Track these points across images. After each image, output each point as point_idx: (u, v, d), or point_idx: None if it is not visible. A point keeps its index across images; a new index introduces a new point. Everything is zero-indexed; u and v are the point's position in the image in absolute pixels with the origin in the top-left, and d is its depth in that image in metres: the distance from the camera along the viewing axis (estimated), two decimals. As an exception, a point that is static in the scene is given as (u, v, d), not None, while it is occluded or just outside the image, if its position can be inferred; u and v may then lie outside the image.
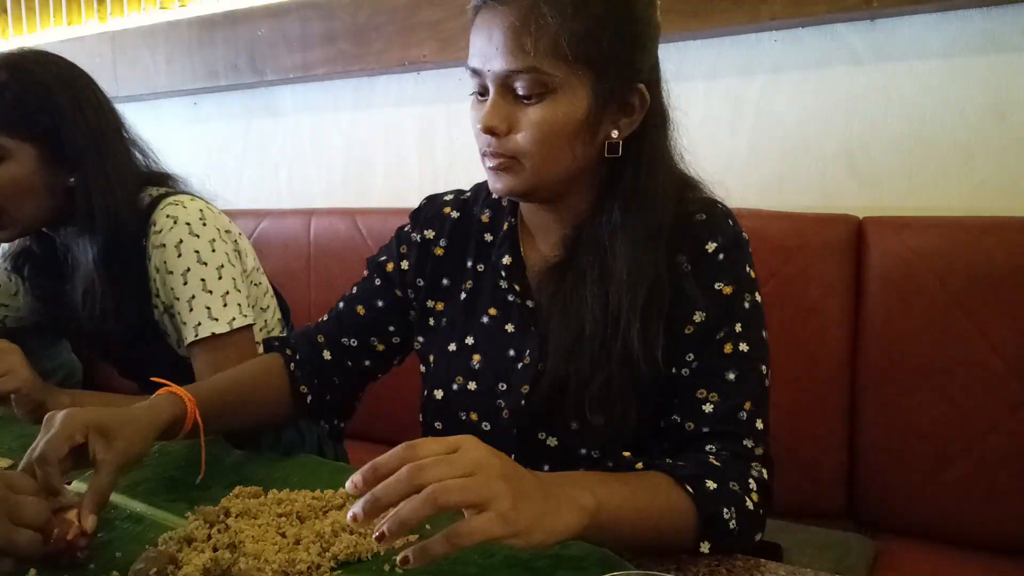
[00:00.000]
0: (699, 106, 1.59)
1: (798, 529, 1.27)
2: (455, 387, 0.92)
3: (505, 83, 0.78)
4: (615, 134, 0.81)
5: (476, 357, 0.92)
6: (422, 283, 0.98)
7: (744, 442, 0.80)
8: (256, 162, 2.28)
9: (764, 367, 0.83)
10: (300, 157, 2.20)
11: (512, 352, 0.90)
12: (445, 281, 0.97)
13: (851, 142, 1.47)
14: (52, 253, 1.30)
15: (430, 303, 0.97)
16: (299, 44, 2.02)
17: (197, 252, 1.17)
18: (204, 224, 1.19)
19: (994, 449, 1.20)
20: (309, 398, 1.00)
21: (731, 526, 0.73)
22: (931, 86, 1.40)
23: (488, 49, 0.77)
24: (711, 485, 0.73)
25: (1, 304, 1.41)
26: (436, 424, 0.94)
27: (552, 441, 0.88)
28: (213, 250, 1.19)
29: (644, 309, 0.80)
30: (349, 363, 1.01)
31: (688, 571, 0.70)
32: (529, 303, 0.90)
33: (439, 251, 0.97)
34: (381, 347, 1.01)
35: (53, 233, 1.27)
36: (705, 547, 0.72)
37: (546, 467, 0.89)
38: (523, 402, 0.87)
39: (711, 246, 0.83)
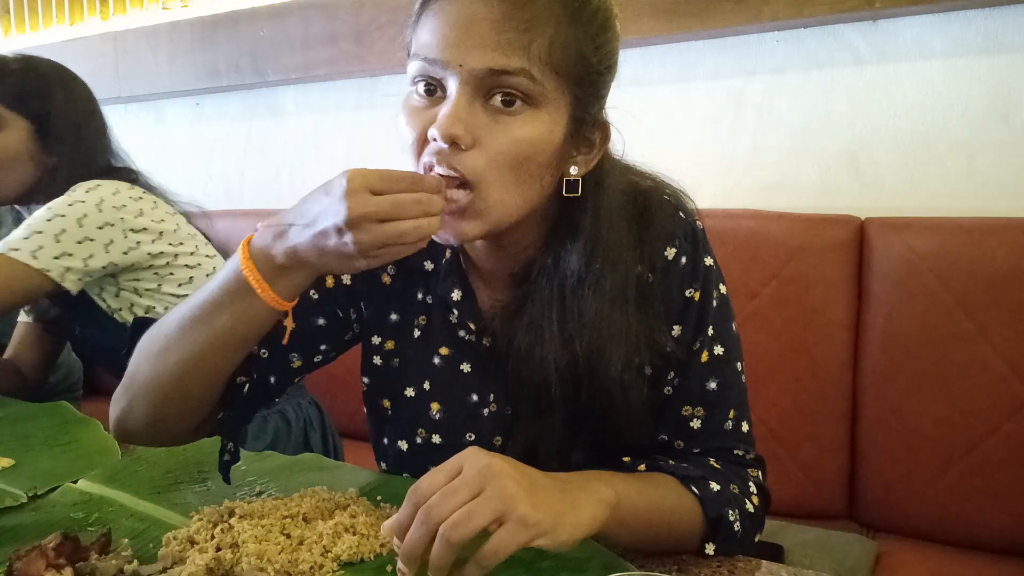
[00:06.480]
0: (701, 107, 1.58)
1: (799, 530, 1.27)
2: (419, 440, 0.82)
3: (479, 85, 0.64)
4: (573, 170, 0.71)
5: (435, 406, 0.81)
6: (365, 311, 0.84)
7: (735, 452, 0.80)
8: (258, 162, 2.28)
9: (739, 364, 0.80)
10: (302, 157, 2.20)
11: (475, 397, 0.81)
12: (394, 316, 0.83)
13: (853, 143, 1.47)
14: None
15: (376, 339, 0.84)
16: (301, 44, 2.02)
17: (68, 205, 1.26)
18: (101, 200, 1.28)
19: (996, 450, 1.20)
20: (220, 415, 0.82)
21: (735, 528, 0.73)
22: (933, 86, 1.40)
23: (462, 38, 0.63)
24: (715, 487, 0.73)
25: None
26: (403, 475, 0.84)
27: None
28: (82, 214, 1.26)
29: (624, 375, 0.73)
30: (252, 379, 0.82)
31: (690, 572, 0.70)
32: (485, 341, 0.79)
33: (387, 279, 0.83)
34: (298, 364, 0.84)
35: (24, 209, 1.42)
36: (710, 548, 0.72)
37: None
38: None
39: (670, 252, 0.76)
